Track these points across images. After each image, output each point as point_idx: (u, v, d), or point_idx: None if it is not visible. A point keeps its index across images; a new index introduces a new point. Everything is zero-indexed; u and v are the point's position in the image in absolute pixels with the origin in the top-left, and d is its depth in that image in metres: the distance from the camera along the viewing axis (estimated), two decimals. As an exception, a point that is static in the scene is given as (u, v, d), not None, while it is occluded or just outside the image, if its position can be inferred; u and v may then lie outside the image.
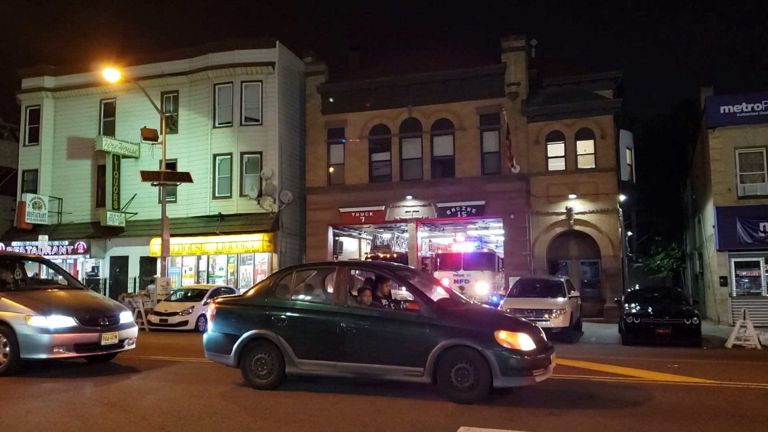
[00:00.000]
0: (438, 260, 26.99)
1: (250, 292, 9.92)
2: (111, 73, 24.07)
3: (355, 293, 9.47)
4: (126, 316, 11.43)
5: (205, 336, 9.77)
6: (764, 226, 23.13)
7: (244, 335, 9.26)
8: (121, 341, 11.10)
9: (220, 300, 10.06)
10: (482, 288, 24.49)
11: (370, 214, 29.70)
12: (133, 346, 11.55)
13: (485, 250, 27.06)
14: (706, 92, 26.31)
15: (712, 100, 25.09)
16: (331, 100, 30.40)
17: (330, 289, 9.60)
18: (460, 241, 29.46)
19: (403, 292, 9.42)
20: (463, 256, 26.22)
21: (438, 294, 9.71)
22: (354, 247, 34.31)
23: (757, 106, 24.06)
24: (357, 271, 10.28)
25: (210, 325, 9.69)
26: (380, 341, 8.64)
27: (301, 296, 9.67)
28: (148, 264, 30.87)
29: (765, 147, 23.99)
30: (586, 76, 28.83)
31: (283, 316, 9.21)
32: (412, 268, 11.57)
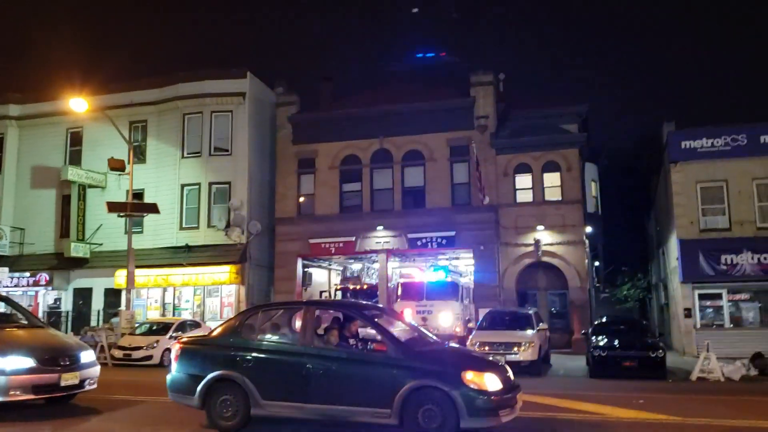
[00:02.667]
0: (400, 290, 26.06)
1: (216, 332, 9.81)
2: (78, 103, 23.85)
3: (321, 333, 9.40)
4: (87, 356, 11.18)
5: (168, 377, 9.60)
6: (726, 259, 23.54)
7: (209, 376, 9.12)
8: (82, 381, 10.83)
9: (184, 340, 9.93)
10: (446, 319, 23.88)
11: (341, 245, 29.61)
12: (95, 386, 11.28)
13: (449, 280, 26.23)
14: (668, 127, 26.74)
15: (674, 135, 25.56)
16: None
17: (296, 329, 9.53)
18: (424, 270, 28.93)
19: (370, 331, 9.40)
20: (425, 285, 25.49)
21: (405, 333, 9.70)
22: (324, 278, 34.08)
23: (717, 142, 24.59)
24: (324, 311, 10.22)
25: (174, 366, 9.53)
26: (347, 383, 8.57)
27: (267, 336, 9.58)
28: (112, 296, 30.28)
29: (725, 181, 24.49)
30: (552, 110, 29.38)
31: (248, 357, 9.10)
32: (380, 306, 11.57)
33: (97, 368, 11.44)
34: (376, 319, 9.35)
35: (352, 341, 9.53)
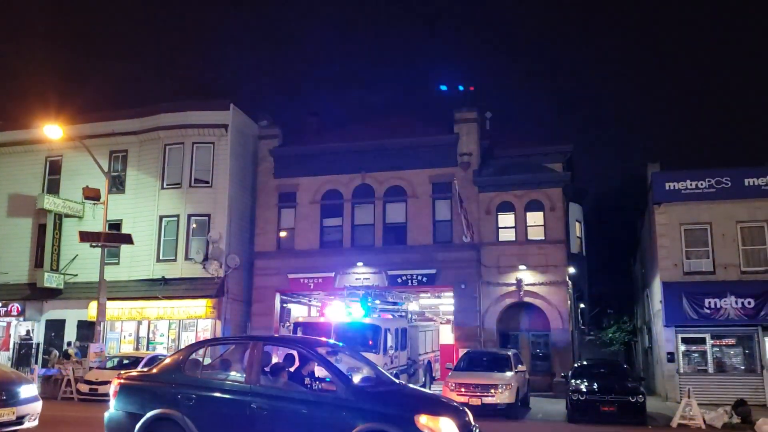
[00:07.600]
0: (299, 332, 20.81)
1: (158, 367, 9.24)
2: (53, 130, 23.51)
3: (269, 370, 8.86)
4: (27, 390, 10.60)
5: (106, 414, 9.01)
6: (709, 303, 23.12)
7: (148, 415, 8.54)
8: (20, 418, 10.23)
9: (125, 375, 9.35)
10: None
11: (320, 280, 29.07)
12: (35, 422, 10.65)
13: (367, 321, 20.87)
14: (652, 168, 26.55)
15: (658, 176, 25.36)
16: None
17: (243, 366, 8.98)
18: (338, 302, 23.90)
19: (322, 369, 8.87)
20: (333, 328, 20.38)
21: (361, 372, 9.18)
22: (302, 314, 33.41)
23: (701, 184, 24.39)
24: (273, 347, 9.69)
25: (112, 403, 8.96)
26: (293, 425, 8.04)
27: (212, 373, 9.02)
28: (85, 328, 29.37)
29: (709, 224, 24.20)
30: (537, 149, 29.25)
31: (191, 395, 8.53)
32: (337, 343, 11.00)
33: (39, 403, 10.83)
34: (327, 357, 8.83)
35: (306, 380, 8.99)
